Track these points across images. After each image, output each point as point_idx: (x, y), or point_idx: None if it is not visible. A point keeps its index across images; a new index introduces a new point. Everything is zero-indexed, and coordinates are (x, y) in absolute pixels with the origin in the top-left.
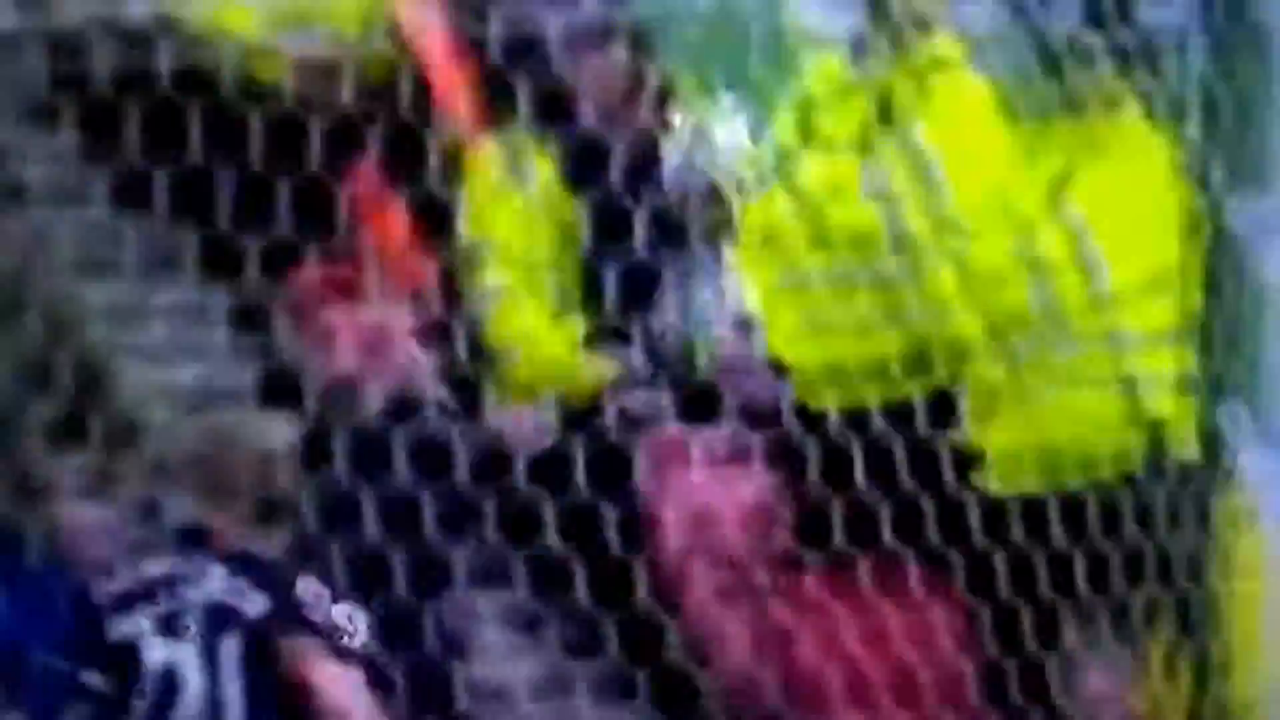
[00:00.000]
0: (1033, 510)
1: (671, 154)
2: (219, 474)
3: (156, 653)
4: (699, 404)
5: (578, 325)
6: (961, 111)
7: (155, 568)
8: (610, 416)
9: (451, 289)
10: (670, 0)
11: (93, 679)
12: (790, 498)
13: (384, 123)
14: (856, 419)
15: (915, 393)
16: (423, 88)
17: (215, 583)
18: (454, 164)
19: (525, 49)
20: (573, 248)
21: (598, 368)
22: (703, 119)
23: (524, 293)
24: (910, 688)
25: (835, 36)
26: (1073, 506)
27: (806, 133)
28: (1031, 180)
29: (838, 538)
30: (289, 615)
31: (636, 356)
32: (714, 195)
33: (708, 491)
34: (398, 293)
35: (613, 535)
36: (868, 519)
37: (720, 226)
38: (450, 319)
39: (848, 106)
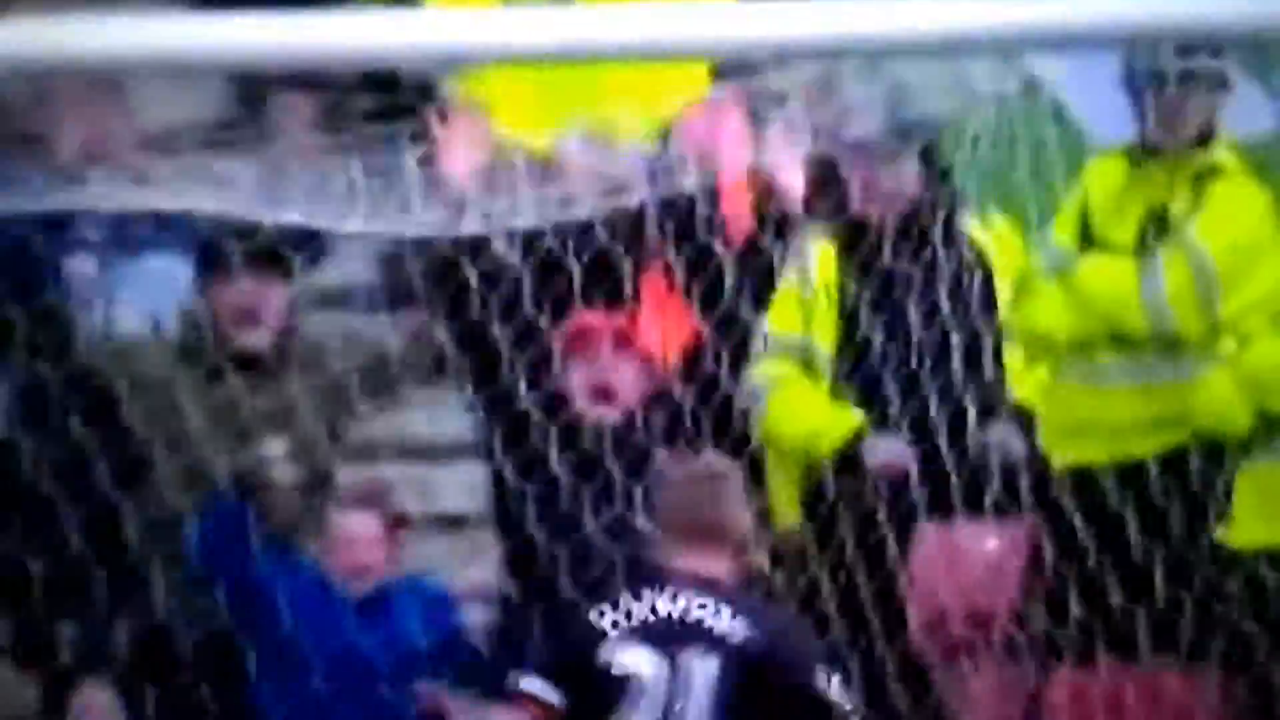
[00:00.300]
0: None
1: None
2: (707, 514)
3: (623, 657)
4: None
5: (854, 412)
6: (1237, 216)
7: (645, 601)
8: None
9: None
10: (961, 109)
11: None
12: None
13: (675, 229)
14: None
15: (1174, 490)
16: (713, 195)
17: (694, 605)
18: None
19: (821, 160)
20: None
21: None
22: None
23: (805, 382)
24: None
25: (1113, 142)
26: None
27: (1084, 235)
28: None
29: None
30: (779, 652)
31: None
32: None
33: (965, 539)
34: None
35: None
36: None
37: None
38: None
39: (1126, 210)
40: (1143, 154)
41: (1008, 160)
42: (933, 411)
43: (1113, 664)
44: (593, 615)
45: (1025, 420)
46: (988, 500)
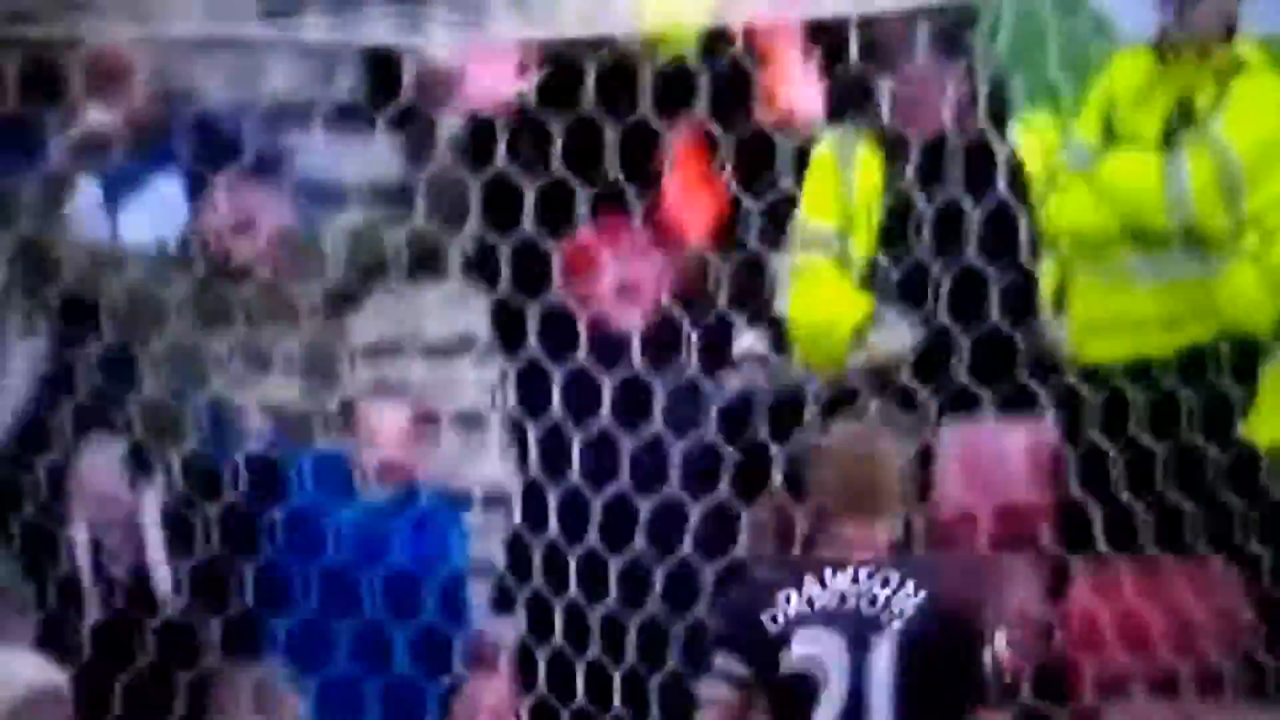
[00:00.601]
0: None
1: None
2: (864, 484)
3: (801, 648)
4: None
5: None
6: (1262, 112)
7: (821, 583)
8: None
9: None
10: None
11: (735, 666)
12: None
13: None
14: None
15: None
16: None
17: (866, 579)
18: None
19: (867, 55)
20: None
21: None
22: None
23: (832, 270)
24: (1189, 638)
25: (1139, 36)
26: None
27: (1108, 130)
28: None
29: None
30: (954, 608)
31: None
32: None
33: (990, 439)
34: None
35: None
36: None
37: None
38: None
39: (1150, 104)
40: (1167, 48)
41: (1035, 55)
42: (963, 308)
43: (1135, 561)
44: (769, 604)
45: (1050, 318)
46: (1015, 398)
